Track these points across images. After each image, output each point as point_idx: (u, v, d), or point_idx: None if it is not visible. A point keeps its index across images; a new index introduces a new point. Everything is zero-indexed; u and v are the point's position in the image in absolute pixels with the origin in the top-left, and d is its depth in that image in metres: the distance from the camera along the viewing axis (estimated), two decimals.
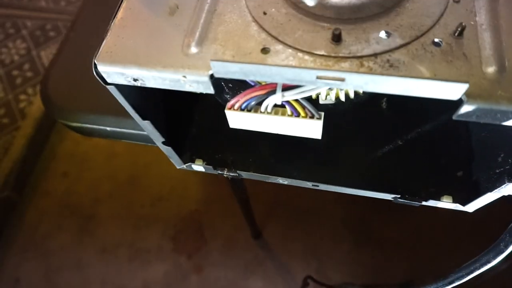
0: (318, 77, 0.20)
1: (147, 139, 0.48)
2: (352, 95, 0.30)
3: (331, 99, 0.35)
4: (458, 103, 0.20)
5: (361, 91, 0.29)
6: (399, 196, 0.36)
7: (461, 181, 0.37)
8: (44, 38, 1.69)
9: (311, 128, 0.27)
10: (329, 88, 0.29)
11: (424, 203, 0.37)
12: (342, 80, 0.20)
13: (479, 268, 0.34)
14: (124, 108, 0.32)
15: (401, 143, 0.40)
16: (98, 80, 0.27)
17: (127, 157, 1.47)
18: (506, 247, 0.30)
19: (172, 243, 1.30)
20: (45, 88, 0.49)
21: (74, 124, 0.48)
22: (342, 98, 0.31)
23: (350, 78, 0.20)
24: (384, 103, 0.41)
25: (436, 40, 0.22)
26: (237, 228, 1.29)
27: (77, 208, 1.39)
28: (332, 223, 1.27)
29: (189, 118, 0.41)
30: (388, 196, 0.37)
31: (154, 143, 0.39)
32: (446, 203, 0.36)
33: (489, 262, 0.33)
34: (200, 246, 1.29)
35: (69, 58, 0.52)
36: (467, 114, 0.21)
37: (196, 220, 1.33)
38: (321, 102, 0.38)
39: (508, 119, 0.21)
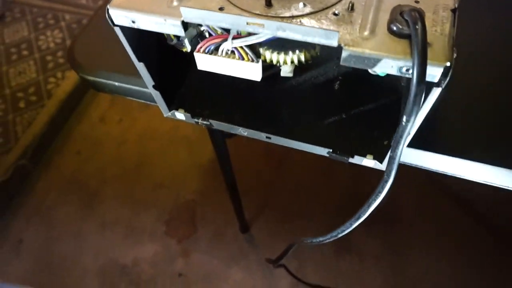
0: (247, 23, 0.30)
1: (148, 98, 0.59)
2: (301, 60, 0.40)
3: (291, 71, 0.45)
4: (339, 50, 0.30)
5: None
6: (332, 151, 0.45)
7: (384, 147, 0.45)
8: (78, 31, 1.86)
9: (253, 70, 0.37)
10: (288, 61, 0.39)
11: (351, 159, 0.46)
12: (262, 25, 0.30)
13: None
14: (131, 68, 0.42)
15: (344, 115, 0.49)
16: (111, 44, 0.37)
17: (136, 146, 1.59)
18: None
19: (165, 227, 1.39)
20: (72, 50, 0.62)
21: (90, 78, 0.59)
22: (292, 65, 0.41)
23: (267, 24, 0.30)
24: (337, 85, 0.51)
25: (335, 11, 0.32)
26: (227, 222, 1.37)
27: (84, 185, 1.51)
28: (318, 228, 1.34)
29: (179, 77, 0.51)
30: (324, 151, 0.46)
31: (154, 102, 0.50)
32: (368, 161, 0.45)
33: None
34: (190, 233, 1.37)
35: (93, 28, 0.64)
36: (347, 59, 0.30)
37: (191, 209, 1.42)
38: (282, 74, 0.48)
39: (374, 66, 0.30)
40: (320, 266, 1.28)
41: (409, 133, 0.32)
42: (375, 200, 0.38)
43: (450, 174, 0.51)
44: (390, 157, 0.35)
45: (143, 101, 0.58)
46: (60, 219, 1.44)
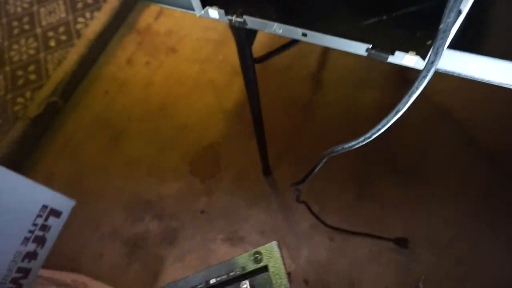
0: None
1: (180, 2, 0.57)
2: None
3: None
4: None
5: None
6: (371, 47, 0.43)
7: (427, 46, 0.43)
8: None
9: None
10: None
11: (391, 57, 0.43)
12: None
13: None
14: None
15: (385, 16, 0.46)
16: None
17: (162, 88, 1.60)
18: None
19: (189, 166, 1.41)
20: None
21: None
22: None
23: None
24: None
25: None
26: (250, 165, 1.38)
27: (111, 123, 1.54)
28: (341, 174, 1.33)
29: None
30: (363, 48, 0.44)
31: (187, 8, 0.48)
32: (409, 58, 0.42)
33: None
34: (214, 173, 1.39)
35: None
36: None
37: (215, 151, 1.43)
38: None
39: None
40: (341, 211, 1.28)
41: (453, 23, 0.29)
42: (412, 95, 0.36)
43: (495, 83, 0.47)
44: (432, 49, 0.33)
45: (174, 8, 0.56)
46: (88, 155, 1.49)
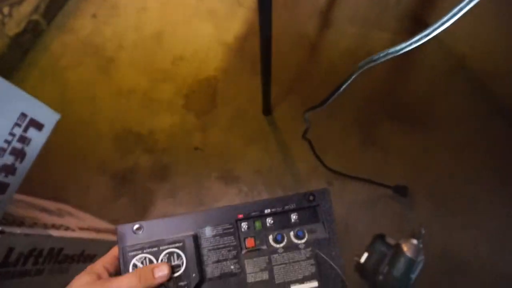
0: None
1: None
2: None
3: None
4: None
5: None
6: None
7: None
8: None
9: None
10: None
11: None
12: None
13: None
14: None
15: None
16: None
17: (157, 13, 1.46)
18: None
19: (183, 100, 1.32)
20: None
21: None
22: None
23: None
24: None
25: None
26: (249, 102, 1.30)
27: (100, 49, 1.41)
28: (345, 118, 1.27)
29: None
30: None
31: None
32: None
33: None
34: (210, 109, 1.31)
35: None
36: None
37: (212, 85, 1.34)
38: None
39: None
40: (342, 155, 1.23)
41: None
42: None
43: None
44: None
45: None
46: (75, 81, 1.38)
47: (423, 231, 0.90)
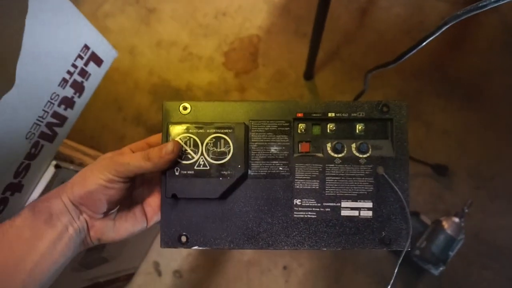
0: None
1: None
2: None
3: None
4: None
5: None
6: None
7: None
8: None
9: None
10: None
11: None
12: None
13: None
14: None
15: None
16: None
17: None
18: None
19: (224, 58, 1.29)
20: None
21: None
22: None
23: None
24: None
25: None
26: (290, 65, 1.26)
27: None
28: (389, 90, 1.22)
29: None
30: None
31: None
32: None
33: None
34: (250, 69, 1.28)
35: None
36: None
37: (254, 45, 1.30)
38: None
39: None
40: None
41: None
42: None
43: None
44: None
45: None
46: (115, 29, 1.36)
47: (466, 210, 0.87)
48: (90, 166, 0.37)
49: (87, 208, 0.37)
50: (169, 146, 0.37)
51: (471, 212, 1.09)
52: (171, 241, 0.39)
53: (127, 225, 0.39)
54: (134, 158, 0.36)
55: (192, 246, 0.39)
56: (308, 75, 1.23)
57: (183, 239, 0.39)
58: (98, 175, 0.36)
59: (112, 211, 0.39)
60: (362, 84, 0.68)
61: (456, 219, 0.87)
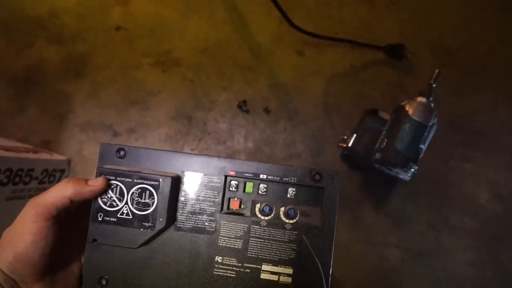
0: None
1: None
2: None
3: None
4: None
5: None
6: None
7: None
8: None
9: None
10: None
11: None
12: None
13: None
14: None
15: None
16: None
17: None
18: None
19: None
20: None
21: None
22: None
23: None
24: None
25: None
26: None
27: None
28: None
29: None
30: None
31: None
32: None
33: None
34: None
35: None
36: None
37: None
38: None
39: None
40: (315, 14, 0.92)
41: None
42: None
43: None
44: None
45: None
46: None
47: (433, 84, 0.63)
48: (17, 219, 0.34)
49: (22, 274, 0.33)
50: (99, 182, 0.36)
51: (440, 97, 0.85)
52: (92, 283, 0.39)
53: (66, 282, 0.37)
54: (53, 190, 0.34)
55: None
56: None
57: (103, 281, 0.39)
58: (23, 230, 0.33)
59: (50, 269, 0.35)
60: None
61: (423, 99, 0.63)
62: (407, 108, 0.62)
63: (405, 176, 0.63)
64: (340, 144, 0.81)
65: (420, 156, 0.63)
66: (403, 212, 0.85)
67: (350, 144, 0.79)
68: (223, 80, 0.90)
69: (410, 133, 0.61)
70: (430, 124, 0.61)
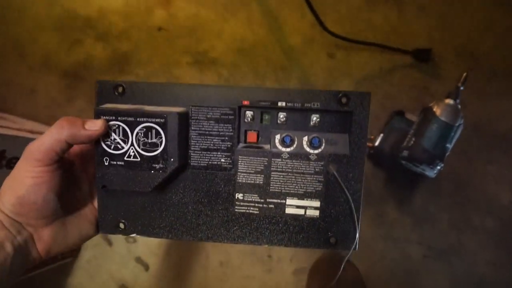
0: None
1: None
2: None
3: None
4: None
5: None
6: None
7: None
8: None
9: None
10: None
11: None
12: None
13: None
14: None
15: None
16: None
17: None
18: None
19: None
20: None
21: None
22: None
23: None
24: None
25: None
26: None
27: None
28: None
29: None
30: None
31: None
32: None
33: None
34: None
35: None
36: None
37: None
38: None
39: None
40: (346, 18, 0.96)
41: None
42: None
43: None
44: None
45: None
46: None
47: (461, 87, 0.66)
48: (15, 167, 0.33)
49: (27, 217, 0.33)
50: (98, 126, 0.33)
51: (465, 100, 0.88)
52: (109, 227, 0.38)
53: (80, 227, 0.36)
54: (48, 133, 0.32)
55: (131, 234, 0.38)
56: None
57: (122, 225, 0.38)
58: (23, 173, 0.32)
59: (59, 214, 0.34)
60: None
61: (450, 101, 0.67)
62: (435, 109, 0.66)
63: (431, 173, 0.67)
64: (367, 144, 0.86)
65: (446, 155, 0.67)
66: (426, 211, 0.89)
67: (376, 144, 0.83)
68: (256, 79, 0.95)
69: (437, 132, 0.64)
70: (457, 124, 0.65)
